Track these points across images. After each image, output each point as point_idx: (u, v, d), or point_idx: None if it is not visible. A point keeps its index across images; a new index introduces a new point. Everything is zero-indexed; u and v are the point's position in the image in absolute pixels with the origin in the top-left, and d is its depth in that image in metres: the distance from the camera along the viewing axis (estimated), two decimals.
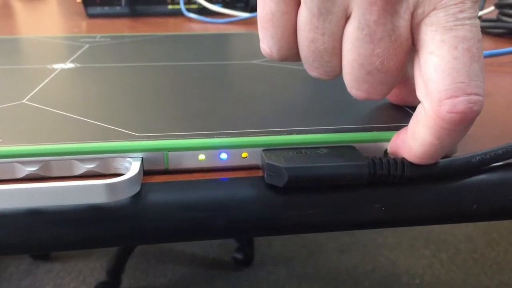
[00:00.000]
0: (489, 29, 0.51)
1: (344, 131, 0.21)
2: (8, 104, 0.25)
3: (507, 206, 0.20)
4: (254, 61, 0.36)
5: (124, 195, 0.18)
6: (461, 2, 0.17)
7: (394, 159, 0.20)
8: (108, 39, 0.46)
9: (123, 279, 1.10)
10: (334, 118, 0.23)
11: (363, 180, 0.19)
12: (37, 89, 0.28)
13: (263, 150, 0.20)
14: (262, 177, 0.20)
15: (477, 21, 0.18)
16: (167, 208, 0.19)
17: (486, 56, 0.38)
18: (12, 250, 0.19)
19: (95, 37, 0.47)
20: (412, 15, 0.18)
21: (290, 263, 1.17)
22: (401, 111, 0.24)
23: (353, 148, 0.21)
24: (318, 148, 0.20)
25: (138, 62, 0.35)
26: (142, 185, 0.19)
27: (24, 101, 0.26)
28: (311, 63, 0.20)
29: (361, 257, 1.19)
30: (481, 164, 0.20)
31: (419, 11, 0.18)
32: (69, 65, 0.35)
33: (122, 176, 0.18)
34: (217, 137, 0.20)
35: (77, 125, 0.22)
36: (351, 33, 0.18)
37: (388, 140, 0.21)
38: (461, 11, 0.17)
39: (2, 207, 0.17)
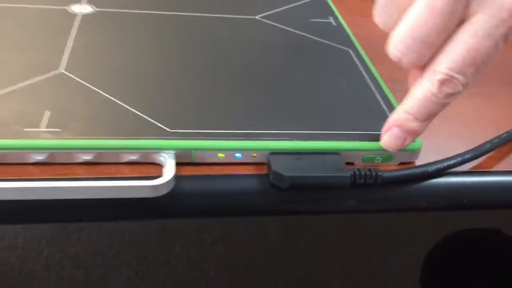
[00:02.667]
0: None
1: (333, 137, 0.27)
2: (47, 75, 0.29)
3: (449, 204, 0.27)
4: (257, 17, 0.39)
5: (163, 192, 0.24)
6: None
7: (370, 170, 0.26)
8: None
9: None
10: (324, 124, 0.28)
11: (345, 186, 0.25)
12: (68, 52, 0.31)
13: (270, 154, 0.26)
14: (268, 175, 0.26)
15: None
16: (194, 197, 0.25)
17: None
18: (83, 219, 0.25)
19: None
20: None
21: None
22: (381, 117, 0.29)
23: (339, 155, 0.26)
24: (312, 154, 0.26)
25: (158, 9, 0.38)
26: (176, 178, 0.25)
27: (61, 70, 0.30)
28: None
29: None
30: (437, 172, 0.27)
31: None
32: (87, 8, 0.37)
33: (162, 178, 0.24)
34: (234, 140, 0.26)
35: (120, 114, 0.27)
36: None
37: (367, 150, 0.27)
38: None
39: (80, 197, 0.23)
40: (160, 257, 0.99)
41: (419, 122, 0.24)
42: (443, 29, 0.22)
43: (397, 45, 0.23)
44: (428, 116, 0.24)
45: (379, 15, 0.24)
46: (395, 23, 0.23)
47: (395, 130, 0.25)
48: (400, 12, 0.23)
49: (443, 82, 0.23)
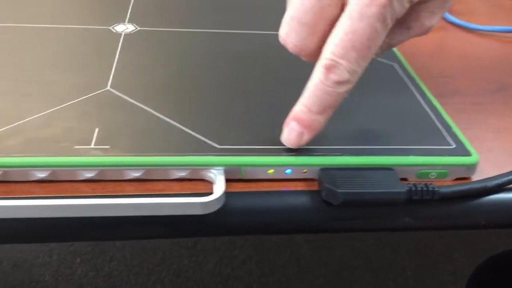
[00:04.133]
0: None
1: (385, 152, 0.26)
2: (94, 93, 0.29)
3: (509, 221, 0.26)
4: None
5: (214, 209, 0.24)
6: None
7: (426, 186, 0.25)
8: None
9: None
10: (375, 139, 0.27)
11: (400, 203, 0.24)
12: (113, 68, 0.32)
13: (320, 170, 0.25)
14: (319, 191, 0.25)
15: None
16: (244, 214, 0.25)
17: None
18: (133, 237, 0.25)
19: None
20: None
21: None
22: (433, 131, 0.28)
23: (392, 171, 0.25)
24: (365, 169, 0.25)
25: (198, 27, 0.38)
26: (226, 194, 0.24)
27: (108, 88, 0.30)
28: None
29: None
30: (496, 188, 0.26)
31: None
32: (130, 27, 0.37)
33: (213, 195, 0.23)
34: (284, 155, 0.25)
35: (167, 131, 0.26)
36: None
37: (421, 165, 0.26)
38: None
39: (130, 214, 0.23)
40: (193, 275, 0.99)
41: (314, 115, 0.24)
42: (319, 10, 0.23)
43: (282, 26, 0.24)
44: (322, 107, 0.24)
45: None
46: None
47: (293, 124, 0.25)
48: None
49: (328, 68, 0.23)
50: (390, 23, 0.23)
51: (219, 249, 1.05)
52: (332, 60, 0.23)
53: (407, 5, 0.23)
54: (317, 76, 0.23)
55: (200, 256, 1.02)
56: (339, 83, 0.23)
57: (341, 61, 0.22)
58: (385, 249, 1.09)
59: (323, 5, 0.23)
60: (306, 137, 0.25)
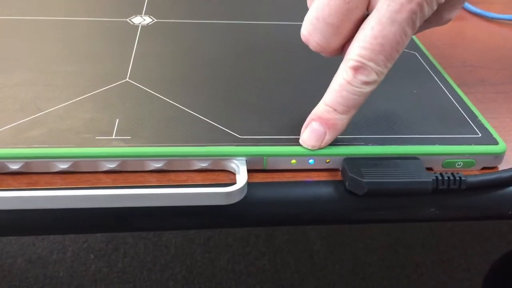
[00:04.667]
0: None
1: (410, 141, 0.25)
2: (114, 84, 0.29)
3: None
4: None
5: (237, 199, 0.23)
6: None
7: (453, 175, 0.24)
8: None
9: None
10: (399, 128, 0.27)
11: (427, 193, 0.24)
12: (132, 60, 0.31)
13: (344, 160, 0.25)
14: (342, 182, 0.25)
15: None
16: (267, 205, 0.24)
17: None
18: (155, 228, 0.25)
19: None
20: None
21: None
22: (458, 120, 0.27)
23: (418, 160, 0.25)
24: (389, 159, 0.25)
25: (214, 18, 0.38)
26: (248, 185, 0.24)
27: (127, 79, 0.30)
28: None
29: None
30: None
31: None
32: (146, 19, 0.37)
33: (236, 185, 0.23)
34: None
35: (188, 121, 0.26)
36: None
37: (447, 154, 0.25)
38: None
39: (153, 205, 0.23)
40: (205, 271, 0.98)
41: (339, 114, 0.24)
42: (346, 12, 0.22)
43: (306, 25, 0.23)
44: (347, 107, 0.24)
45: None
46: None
47: (315, 124, 0.24)
48: None
49: (356, 69, 0.22)
50: (418, 25, 0.23)
51: (231, 245, 1.04)
52: (360, 62, 0.22)
53: (435, 7, 0.23)
54: (343, 76, 0.23)
55: (213, 252, 1.02)
56: (367, 83, 0.23)
57: (369, 63, 0.22)
58: (398, 246, 1.08)
59: (350, 7, 0.22)
60: (328, 137, 0.24)
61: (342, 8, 0.22)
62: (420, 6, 0.22)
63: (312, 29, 0.23)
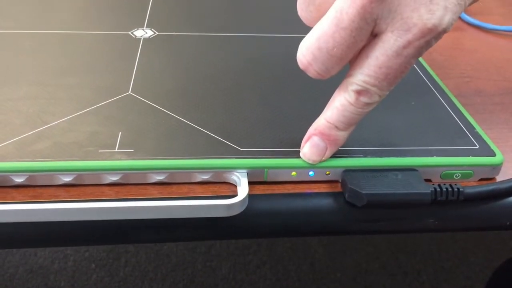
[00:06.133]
0: None
1: (408, 153, 0.26)
2: (116, 97, 0.30)
3: None
4: None
5: (238, 211, 0.24)
6: None
7: (451, 186, 0.24)
8: None
9: None
10: (398, 140, 0.27)
11: (426, 204, 0.24)
12: (134, 73, 0.32)
13: (343, 172, 0.25)
14: (342, 193, 0.25)
15: None
16: (268, 216, 0.25)
17: None
18: (157, 239, 0.25)
19: None
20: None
21: None
22: (456, 131, 0.28)
23: (416, 172, 0.25)
24: (388, 171, 0.25)
25: (214, 31, 0.38)
26: (249, 197, 0.24)
27: (129, 92, 0.30)
28: None
29: None
30: None
31: None
32: (148, 32, 0.38)
33: (237, 197, 0.23)
34: None
35: (189, 134, 0.27)
36: None
37: (445, 166, 0.25)
38: None
39: (155, 217, 0.23)
40: (207, 280, 0.98)
41: (340, 131, 0.24)
42: (351, 45, 0.22)
43: (305, 53, 0.23)
44: (347, 124, 0.24)
45: (300, 9, 0.24)
46: (314, 19, 0.23)
47: (316, 139, 0.25)
48: (318, 10, 0.23)
49: (359, 93, 0.23)
50: (423, 53, 0.23)
51: (233, 254, 1.04)
52: (364, 87, 0.23)
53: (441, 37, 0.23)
54: (346, 98, 0.23)
55: (214, 261, 1.02)
56: (369, 104, 0.23)
57: (373, 88, 0.23)
58: (400, 253, 1.08)
59: (356, 41, 0.22)
60: (328, 152, 0.25)
61: (348, 41, 0.22)
62: (427, 42, 0.22)
63: (312, 58, 0.23)
